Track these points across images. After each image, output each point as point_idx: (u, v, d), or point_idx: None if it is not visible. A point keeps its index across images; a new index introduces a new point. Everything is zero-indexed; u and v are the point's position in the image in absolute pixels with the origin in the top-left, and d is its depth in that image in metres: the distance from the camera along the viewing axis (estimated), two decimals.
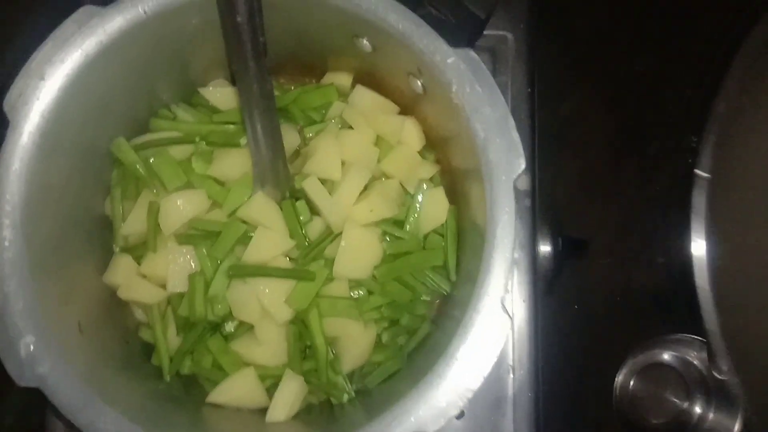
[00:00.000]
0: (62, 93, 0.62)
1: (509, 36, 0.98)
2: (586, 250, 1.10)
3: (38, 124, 0.62)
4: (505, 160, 0.60)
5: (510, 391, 0.89)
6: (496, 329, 0.58)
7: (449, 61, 0.62)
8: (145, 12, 0.64)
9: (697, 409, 1.19)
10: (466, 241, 0.77)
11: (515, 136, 0.61)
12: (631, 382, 1.25)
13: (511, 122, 0.61)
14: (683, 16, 1.35)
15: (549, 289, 0.98)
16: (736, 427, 1.12)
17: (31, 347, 0.59)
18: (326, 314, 0.74)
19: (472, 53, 0.62)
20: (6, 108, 0.61)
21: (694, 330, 1.24)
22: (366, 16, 0.64)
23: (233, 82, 0.84)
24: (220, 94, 0.81)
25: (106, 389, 0.62)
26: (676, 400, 1.22)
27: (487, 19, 0.71)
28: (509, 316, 0.59)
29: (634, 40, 1.37)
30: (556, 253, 0.99)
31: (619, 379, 1.25)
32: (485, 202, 0.61)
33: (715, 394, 1.17)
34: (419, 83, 0.69)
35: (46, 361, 0.59)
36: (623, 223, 1.35)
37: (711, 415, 1.17)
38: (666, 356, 1.24)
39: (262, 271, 0.72)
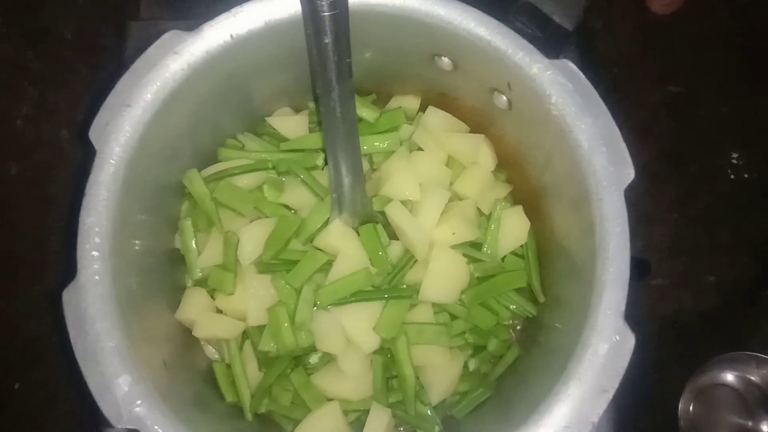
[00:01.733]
0: (146, 120, 0.61)
1: None
2: (648, 269, 1.08)
3: (123, 154, 0.60)
4: (613, 170, 0.58)
5: None
6: (620, 346, 0.55)
7: (548, 73, 0.60)
8: (232, 37, 0.62)
9: (764, 428, 1.16)
10: (551, 265, 0.75)
11: (622, 146, 0.59)
12: (691, 407, 1.22)
13: (616, 132, 0.59)
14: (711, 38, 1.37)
15: None
16: None
17: (126, 387, 0.55)
18: (414, 341, 0.70)
19: (571, 64, 0.61)
20: (92, 136, 0.59)
21: (748, 347, 1.22)
22: (454, 31, 0.63)
23: (297, 110, 0.83)
24: (288, 123, 0.80)
25: (198, 429, 0.58)
26: (739, 420, 1.18)
27: (574, 32, 0.70)
28: (632, 332, 0.56)
29: (665, 64, 1.39)
30: None
31: (681, 404, 1.22)
32: (592, 214, 0.59)
33: None
34: (505, 99, 0.68)
35: (141, 400, 0.55)
36: (669, 245, 1.34)
37: None
38: (723, 376, 1.21)
39: (354, 296, 0.69)
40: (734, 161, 1.33)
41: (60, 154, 1.02)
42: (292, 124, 0.79)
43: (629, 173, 0.59)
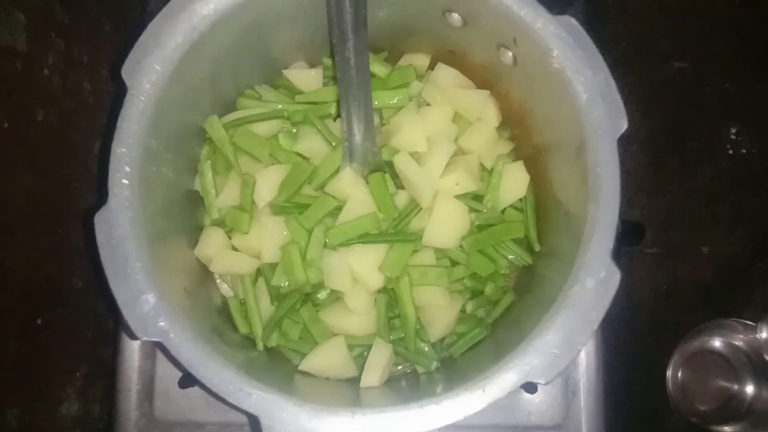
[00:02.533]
0: (175, 60, 0.65)
1: None
2: (643, 234, 1.12)
3: (152, 91, 0.64)
4: (609, 120, 0.62)
5: (580, 371, 0.90)
6: (607, 281, 0.60)
7: (551, 27, 0.64)
8: None
9: (749, 391, 1.20)
10: (547, 217, 0.79)
11: (617, 97, 0.63)
12: (680, 372, 1.26)
13: (613, 84, 0.63)
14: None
15: None
16: None
17: (152, 303, 0.60)
18: (417, 282, 0.75)
19: (572, 20, 0.64)
20: (124, 74, 0.63)
21: (740, 316, 1.26)
22: None
23: (312, 66, 0.87)
24: (303, 76, 0.84)
25: (216, 349, 0.63)
26: (726, 384, 1.23)
27: None
28: (618, 268, 0.60)
29: (672, 41, 1.41)
30: (617, 235, 1.00)
31: (670, 370, 1.26)
32: (586, 162, 0.63)
33: (765, 374, 1.18)
34: (510, 54, 0.72)
35: (165, 317, 0.60)
36: (668, 217, 1.38)
37: (764, 394, 1.19)
38: (712, 342, 1.25)
39: (361, 237, 0.73)
40: (733, 137, 1.36)
41: (82, 105, 1.06)
42: (306, 78, 0.84)
43: (623, 123, 0.63)
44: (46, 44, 1.01)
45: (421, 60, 0.85)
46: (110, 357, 0.92)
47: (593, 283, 0.60)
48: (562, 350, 0.59)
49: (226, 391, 0.58)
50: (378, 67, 0.82)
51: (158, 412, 0.85)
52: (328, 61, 0.86)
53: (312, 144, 0.80)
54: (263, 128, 0.80)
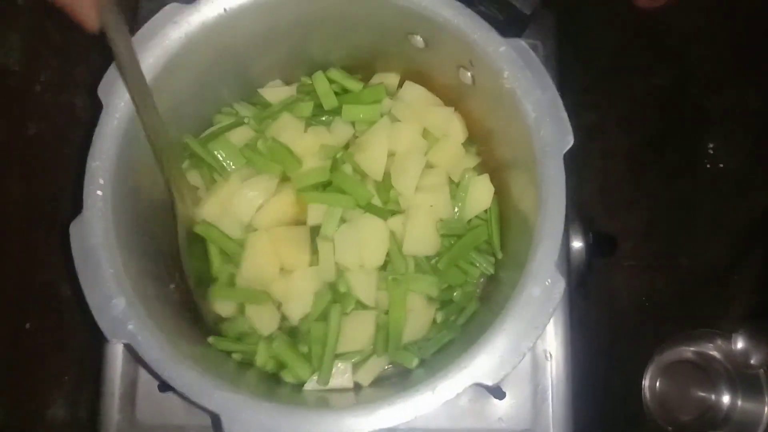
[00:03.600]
0: (148, 81, 0.69)
1: (539, 44, 1.04)
2: (615, 245, 1.15)
3: (126, 109, 0.68)
4: (555, 137, 0.66)
5: (549, 378, 0.93)
6: (551, 289, 0.63)
7: (501, 49, 0.68)
8: (225, 10, 0.70)
9: (725, 401, 1.22)
10: (509, 228, 0.83)
11: (564, 115, 0.67)
12: (658, 383, 1.29)
13: (560, 103, 0.67)
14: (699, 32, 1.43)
15: (581, 282, 1.03)
16: (767, 410, 1.15)
17: (121, 308, 0.64)
18: (413, 289, 0.79)
19: (522, 42, 0.68)
20: (100, 93, 0.68)
21: (718, 327, 1.28)
22: (424, 13, 0.71)
23: (289, 83, 0.91)
24: (276, 93, 0.88)
25: (181, 351, 0.67)
26: (702, 394, 1.25)
27: (531, 16, 0.78)
28: (562, 277, 0.63)
29: (651, 57, 1.45)
30: (588, 247, 1.04)
31: (647, 379, 1.29)
32: (537, 176, 0.67)
33: (742, 384, 1.21)
34: (469, 75, 0.75)
35: (134, 321, 0.64)
36: (647, 228, 1.41)
37: (739, 404, 1.21)
38: (688, 352, 1.28)
39: None
40: (711, 152, 1.39)
41: (74, 119, 1.11)
42: (280, 95, 0.88)
43: (569, 139, 0.66)
44: (39, 63, 1.06)
45: (392, 79, 0.89)
46: (98, 362, 0.95)
47: (539, 291, 0.64)
48: (508, 354, 0.63)
49: (189, 390, 0.62)
50: (352, 84, 0.86)
51: (140, 415, 0.88)
52: (306, 80, 0.90)
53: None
54: (237, 137, 0.84)
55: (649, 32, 1.45)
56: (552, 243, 0.64)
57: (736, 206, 1.37)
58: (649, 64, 1.45)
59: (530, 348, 0.63)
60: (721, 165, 1.39)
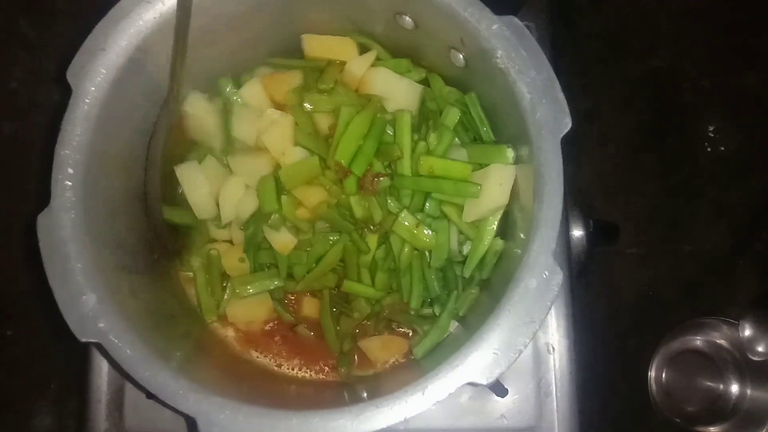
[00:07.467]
0: (120, 64, 0.65)
1: (532, 26, 1.00)
2: (617, 233, 1.12)
3: (97, 94, 0.64)
4: (552, 120, 0.62)
5: (552, 372, 0.89)
6: (549, 281, 0.59)
7: (494, 27, 0.64)
8: None
9: (734, 390, 1.18)
10: (505, 217, 0.79)
11: (561, 96, 0.63)
12: (664, 374, 1.25)
13: (557, 84, 0.63)
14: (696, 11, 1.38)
15: (582, 272, 0.99)
16: None
17: (91, 305, 0.60)
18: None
19: (516, 20, 0.64)
20: (69, 77, 0.64)
21: (726, 315, 1.24)
22: None
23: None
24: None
25: (156, 351, 0.63)
26: (710, 384, 1.21)
27: None
28: (560, 269, 0.60)
29: (648, 39, 1.40)
30: (588, 235, 1.00)
31: (653, 370, 1.25)
32: (533, 161, 0.63)
33: (750, 372, 1.17)
34: (461, 57, 0.71)
35: (105, 318, 0.60)
36: (647, 215, 1.37)
37: (749, 393, 1.17)
38: (695, 342, 1.24)
39: None
40: (711, 134, 1.35)
41: (53, 117, 1.07)
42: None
43: (567, 122, 0.62)
44: (9, 59, 1.01)
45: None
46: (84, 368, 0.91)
47: (535, 283, 0.60)
48: (502, 351, 0.59)
49: (163, 393, 0.58)
50: None
51: (128, 422, 0.85)
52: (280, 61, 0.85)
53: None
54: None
55: (646, 14, 1.40)
56: (550, 232, 0.60)
57: (739, 189, 1.32)
58: (646, 46, 1.40)
59: (527, 344, 0.59)
60: (722, 148, 1.35)
